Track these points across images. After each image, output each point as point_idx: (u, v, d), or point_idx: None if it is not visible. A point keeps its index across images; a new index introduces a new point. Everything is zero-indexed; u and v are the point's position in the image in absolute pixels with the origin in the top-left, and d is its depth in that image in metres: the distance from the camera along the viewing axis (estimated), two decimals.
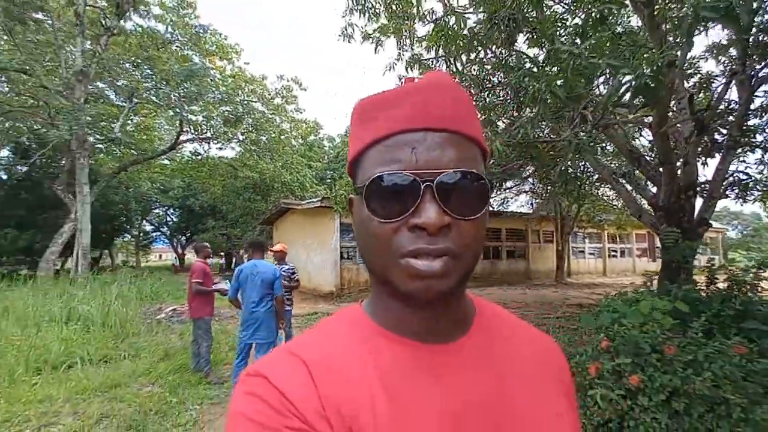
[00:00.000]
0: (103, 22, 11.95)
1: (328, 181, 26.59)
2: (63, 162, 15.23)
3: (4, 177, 17.01)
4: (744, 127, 5.86)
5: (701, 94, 6.69)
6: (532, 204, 14.87)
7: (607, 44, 3.35)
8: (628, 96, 2.77)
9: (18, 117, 13.82)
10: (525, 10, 4.28)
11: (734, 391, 2.67)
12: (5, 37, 11.96)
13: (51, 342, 5.06)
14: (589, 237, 19.66)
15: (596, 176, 8.23)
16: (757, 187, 6.57)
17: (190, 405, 3.77)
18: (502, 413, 0.44)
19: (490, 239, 15.43)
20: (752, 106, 5.91)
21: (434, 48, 5.83)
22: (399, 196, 0.40)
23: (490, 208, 0.52)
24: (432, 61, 6.10)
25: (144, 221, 30.01)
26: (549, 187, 10.48)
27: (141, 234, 30.98)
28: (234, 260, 14.91)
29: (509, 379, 0.47)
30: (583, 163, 7.47)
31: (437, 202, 0.40)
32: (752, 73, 5.15)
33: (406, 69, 5.91)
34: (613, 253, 20.82)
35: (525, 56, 5.78)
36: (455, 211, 0.40)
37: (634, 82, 2.53)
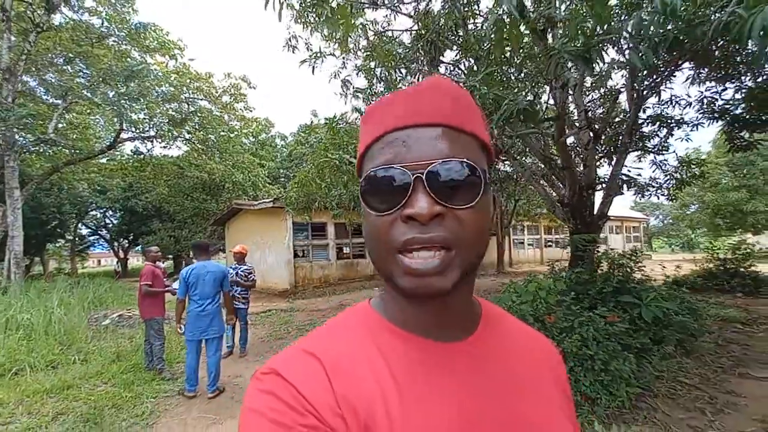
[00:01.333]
0: (32, 16, 11.17)
1: (282, 180, 26.33)
2: None
3: None
4: (637, 135, 6.95)
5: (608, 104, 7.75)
6: None
7: (504, 72, 4.02)
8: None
9: None
10: (445, 34, 4.88)
11: (597, 349, 3.44)
12: None
13: None
14: (528, 229, 21.39)
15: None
16: (652, 184, 7.83)
17: (145, 399, 4.02)
18: (511, 410, 0.45)
19: None
20: (646, 116, 6.97)
21: (373, 61, 6.36)
22: (392, 190, 0.41)
23: None
24: (374, 71, 6.64)
25: (80, 225, 28.03)
26: None
27: (77, 238, 28.92)
28: (184, 263, 14.51)
29: (517, 377, 0.48)
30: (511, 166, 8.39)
31: (428, 192, 0.40)
32: (639, 88, 6.04)
33: (346, 82, 6.37)
34: (549, 243, 22.67)
35: (456, 68, 6.47)
36: (448, 201, 0.40)
37: (517, 107, 3.19)
